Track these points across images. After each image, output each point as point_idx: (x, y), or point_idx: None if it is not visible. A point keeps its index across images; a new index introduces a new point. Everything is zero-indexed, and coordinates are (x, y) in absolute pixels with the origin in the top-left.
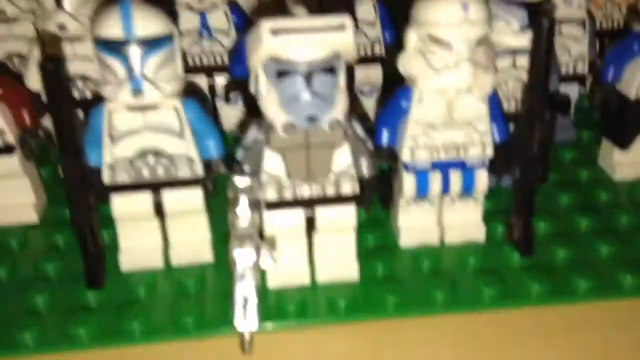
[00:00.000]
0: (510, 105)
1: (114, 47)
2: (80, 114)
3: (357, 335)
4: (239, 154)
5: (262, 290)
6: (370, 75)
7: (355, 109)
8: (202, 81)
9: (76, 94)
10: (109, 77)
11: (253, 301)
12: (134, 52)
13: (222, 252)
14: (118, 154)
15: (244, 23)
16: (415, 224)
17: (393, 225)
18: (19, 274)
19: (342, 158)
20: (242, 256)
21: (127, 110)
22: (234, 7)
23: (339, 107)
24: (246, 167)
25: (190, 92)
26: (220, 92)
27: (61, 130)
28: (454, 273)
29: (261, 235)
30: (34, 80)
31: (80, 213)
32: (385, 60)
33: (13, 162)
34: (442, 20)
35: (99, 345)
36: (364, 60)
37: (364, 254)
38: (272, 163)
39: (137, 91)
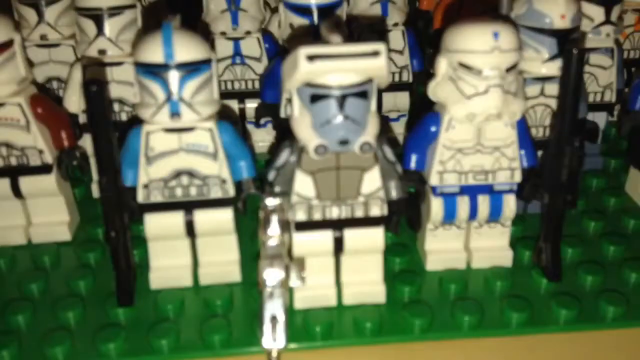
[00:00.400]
0: (538, 132)
1: (155, 71)
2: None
3: (383, 357)
4: (270, 175)
5: (289, 311)
6: (398, 102)
7: (385, 132)
8: (233, 106)
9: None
10: (148, 100)
11: (281, 320)
12: (173, 76)
13: (250, 273)
14: (153, 174)
15: (276, 50)
16: (443, 248)
17: (420, 249)
18: (51, 291)
19: (372, 181)
20: (272, 276)
21: (164, 132)
22: (266, 35)
23: (370, 131)
24: (277, 188)
25: (223, 115)
26: (251, 116)
27: (100, 150)
28: (481, 297)
29: (290, 255)
30: (72, 103)
31: (115, 231)
32: (413, 86)
33: (50, 181)
34: (473, 48)
35: None
36: (393, 87)
37: (391, 277)
38: (303, 184)
39: (175, 114)
